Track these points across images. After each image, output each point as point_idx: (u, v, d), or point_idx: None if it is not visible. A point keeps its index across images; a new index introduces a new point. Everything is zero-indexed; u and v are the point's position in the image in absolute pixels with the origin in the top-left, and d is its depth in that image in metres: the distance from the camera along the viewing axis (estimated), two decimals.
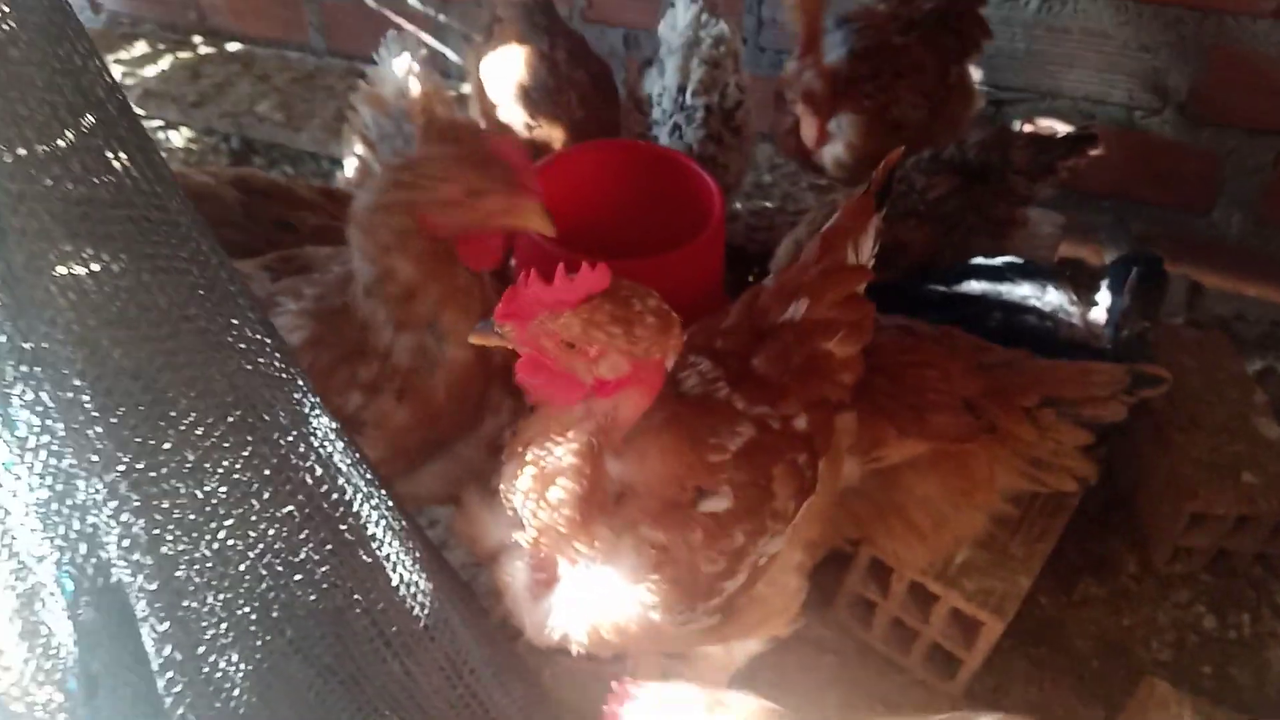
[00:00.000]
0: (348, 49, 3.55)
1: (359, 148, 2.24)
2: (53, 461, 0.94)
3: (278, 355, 1.01)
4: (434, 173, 1.39)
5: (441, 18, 3.38)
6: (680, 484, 1.25)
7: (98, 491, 0.94)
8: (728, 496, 1.28)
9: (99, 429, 0.91)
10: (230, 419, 0.97)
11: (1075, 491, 1.80)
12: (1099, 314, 1.76)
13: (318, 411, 1.05)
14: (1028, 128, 2.77)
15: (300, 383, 1.04)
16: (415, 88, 2.13)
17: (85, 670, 1.01)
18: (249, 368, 0.99)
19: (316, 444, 1.04)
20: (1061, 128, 2.75)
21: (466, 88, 3.30)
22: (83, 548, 0.99)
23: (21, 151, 0.82)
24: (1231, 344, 2.16)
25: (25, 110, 0.82)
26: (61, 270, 0.87)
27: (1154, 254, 1.91)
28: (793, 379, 1.38)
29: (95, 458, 0.92)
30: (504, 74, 2.41)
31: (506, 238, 1.50)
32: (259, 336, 1.00)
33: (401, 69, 2.13)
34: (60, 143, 0.85)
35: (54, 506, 0.96)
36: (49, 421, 0.92)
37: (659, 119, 2.34)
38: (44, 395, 0.91)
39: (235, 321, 0.97)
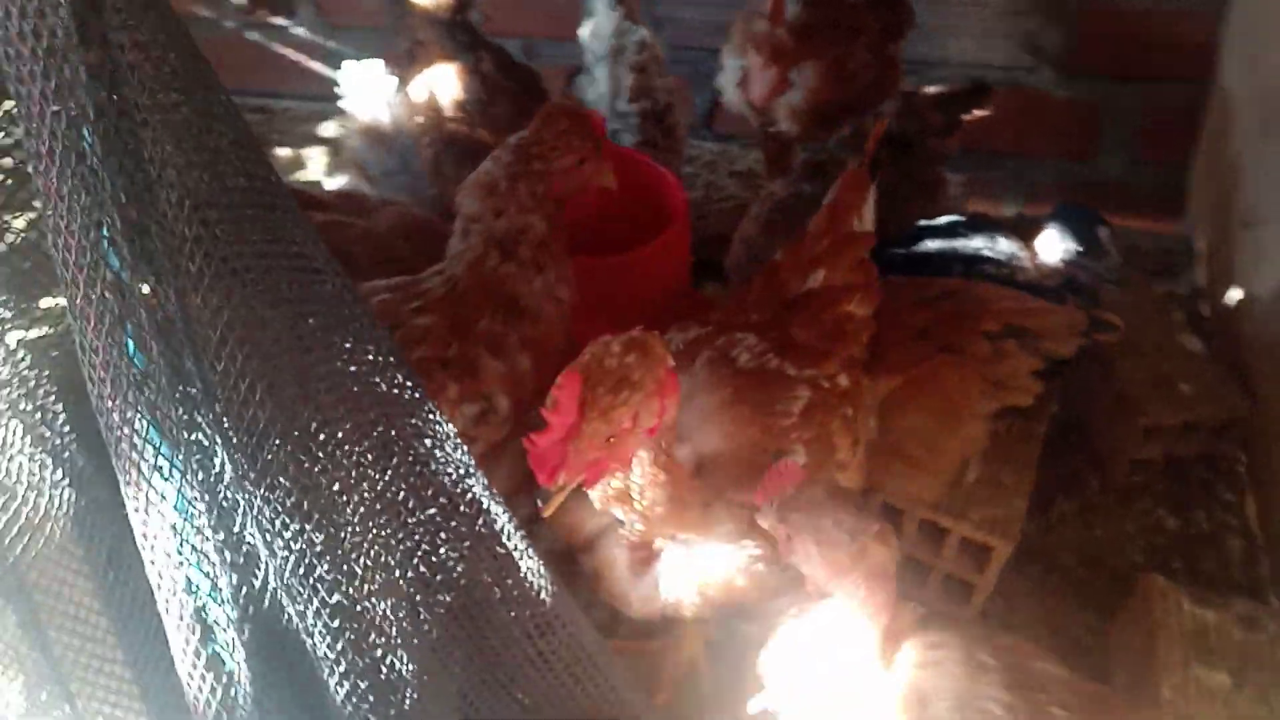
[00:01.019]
0: (231, 85, 3.47)
1: (357, 182, 2.27)
2: (222, 492, 0.96)
3: (406, 370, 1.05)
4: (557, 145, 1.65)
5: (332, 44, 3.36)
6: (760, 449, 1.34)
7: (259, 514, 0.96)
8: (801, 453, 1.38)
9: (259, 455, 0.93)
10: (375, 434, 1.01)
11: (1043, 419, 1.99)
12: (1048, 258, 1.93)
13: (443, 420, 1.09)
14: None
15: (423, 394, 1.08)
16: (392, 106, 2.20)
17: (254, 692, 1.02)
18: (383, 384, 1.03)
19: (450, 449, 1.08)
20: None
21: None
22: (240, 574, 1.01)
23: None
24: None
25: None
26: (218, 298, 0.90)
27: (1089, 207, 2.09)
28: (828, 341, 1.49)
29: (259, 487, 0.95)
30: (435, 93, 2.44)
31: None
32: (390, 355, 1.04)
33: (376, 93, 2.18)
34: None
35: (220, 537, 0.98)
36: (219, 458, 0.94)
37: None
38: (214, 432, 0.93)
39: (370, 342, 1.01)
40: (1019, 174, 3.04)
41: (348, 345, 0.99)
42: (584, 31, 2.62)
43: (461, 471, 1.09)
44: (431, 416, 1.08)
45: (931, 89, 2.85)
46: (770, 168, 2.76)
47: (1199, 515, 2.06)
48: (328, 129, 3.26)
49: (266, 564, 1.00)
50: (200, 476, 0.96)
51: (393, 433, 1.02)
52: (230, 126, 0.89)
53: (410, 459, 1.04)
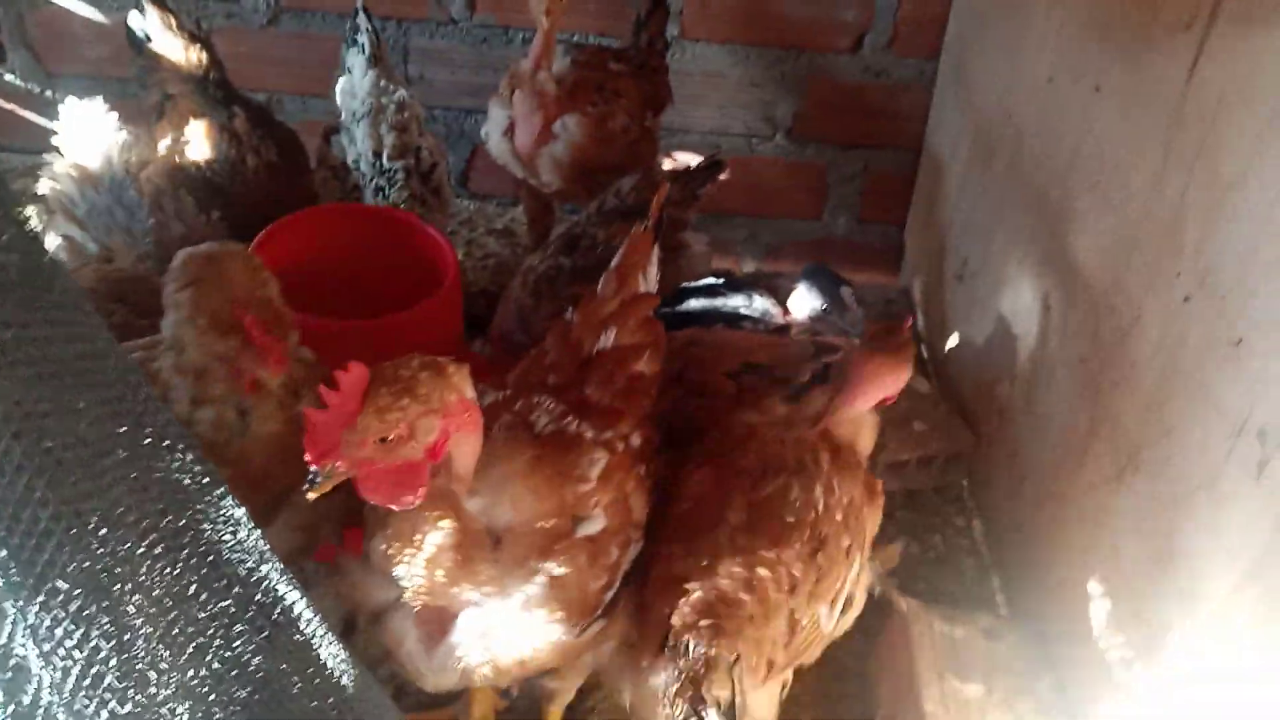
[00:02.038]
0: None
1: (67, 227, 2.09)
2: None
3: (191, 453, 1.00)
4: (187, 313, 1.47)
5: (49, 93, 3.13)
6: (560, 515, 1.37)
7: (38, 627, 0.89)
8: (600, 518, 1.42)
9: (46, 560, 0.86)
10: (164, 524, 0.96)
11: None
12: (798, 315, 2.09)
13: (233, 502, 1.05)
14: (668, 163, 3.12)
15: (213, 478, 1.03)
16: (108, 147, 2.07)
17: None
18: (169, 473, 0.98)
19: (243, 534, 1.03)
20: (693, 159, 3.13)
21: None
22: (4, 693, 0.92)
23: None
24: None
25: None
26: None
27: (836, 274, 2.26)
28: (622, 400, 1.53)
29: (36, 593, 0.87)
30: (185, 151, 2.33)
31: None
32: (173, 439, 0.98)
33: (101, 134, 2.05)
34: None
35: None
36: None
37: (361, 183, 2.39)
38: None
39: (153, 430, 0.96)
40: (756, 233, 3.26)
41: (131, 430, 0.93)
42: (339, 89, 2.58)
43: (255, 558, 1.05)
44: (221, 501, 1.03)
45: (670, 162, 3.03)
46: (531, 225, 2.81)
47: (936, 539, 2.26)
48: (45, 185, 3.03)
49: (39, 678, 0.92)
50: None
51: (182, 522, 0.97)
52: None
53: (201, 549, 0.98)
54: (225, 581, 1.01)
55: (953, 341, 2.54)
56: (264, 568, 1.06)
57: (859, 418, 1.66)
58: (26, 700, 0.95)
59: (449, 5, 2.97)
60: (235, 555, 1.02)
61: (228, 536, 1.02)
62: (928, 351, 2.72)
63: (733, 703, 1.34)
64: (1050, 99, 2.08)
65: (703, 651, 1.34)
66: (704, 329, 1.93)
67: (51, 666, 0.91)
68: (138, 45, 2.43)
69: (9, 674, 0.94)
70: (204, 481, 1.01)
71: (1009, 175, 2.28)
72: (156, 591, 0.95)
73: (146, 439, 0.96)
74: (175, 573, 0.97)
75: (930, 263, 2.79)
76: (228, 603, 1.01)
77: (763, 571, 1.44)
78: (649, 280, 1.64)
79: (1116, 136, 1.79)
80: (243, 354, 1.43)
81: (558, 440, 1.45)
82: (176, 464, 0.98)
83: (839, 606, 1.59)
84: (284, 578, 1.08)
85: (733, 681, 1.35)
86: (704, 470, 1.59)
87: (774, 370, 1.82)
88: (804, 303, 2.05)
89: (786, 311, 2.08)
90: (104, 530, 0.91)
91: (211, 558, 1.00)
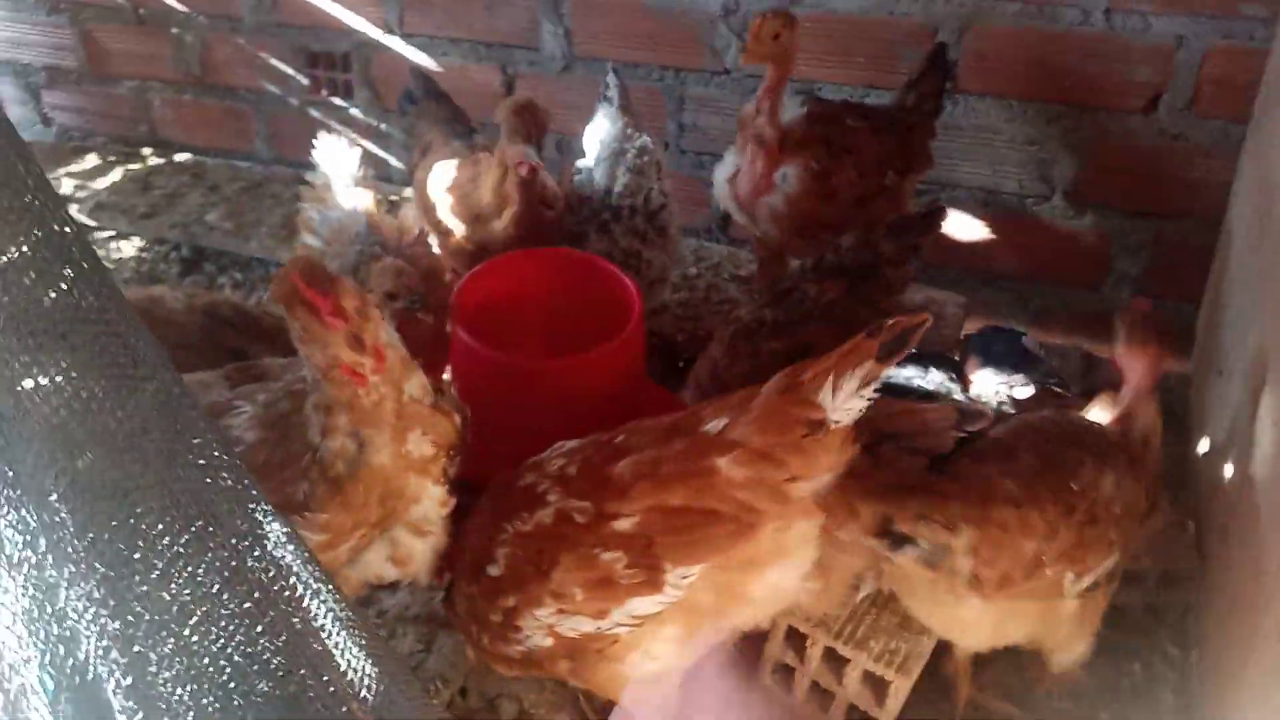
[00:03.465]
0: (293, 157, 3.73)
1: (309, 238, 2.41)
2: (34, 574, 1.07)
3: (233, 469, 1.15)
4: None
5: (383, 126, 3.58)
6: (482, 551, 1.63)
7: (76, 598, 1.07)
8: (499, 565, 1.65)
9: (77, 543, 1.04)
10: (193, 528, 1.11)
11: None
12: (982, 389, 1.94)
13: (270, 518, 1.19)
14: None
15: (254, 492, 1.18)
16: (353, 182, 2.35)
17: None
18: (208, 481, 1.13)
19: (270, 548, 1.17)
20: (961, 216, 2.99)
21: (408, 193, 3.50)
22: (61, 649, 1.11)
23: None
24: None
25: None
26: (28, 383, 1.01)
27: (1012, 328, 2.08)
28: (647, 482, 1.55)
29: (74, 568, 1.05)
30: (442, 186, 2.59)
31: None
32: (216, 453, 1.14)
33: (338, 168, 2.34)
34: (5, 258, 0.98)
35: (36, 614, 1.08)
36: (33, 539, 1.05)
37: (589, 216, 2.54)
38: (27, 515, 1.04)
39: (195, 440, 1.12)
40: (1024, 298, 3.04)
41: (172, 442, 1.09)
42: (586, 134, 2.75)
43: (282, 570, 1.18)
44: (253, 514, 1.17)
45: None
46: (760, 273, 2.83)
47: (1135, 666, 2.01)
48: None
49: (86, 640, 1.10)
50: (28, 555, 1.07)
51: (210, 528, 1.12)
52: (57, 219, 1.01)
53: (225, 554, 1.13)
54: (246, 587, 1.15)
55: (1201, 446, 2.24)
56: (290, 579, 1.19)
57: (1149, 419, 1.78)
58: (81, 656, 1.14)
59: (724, 54, 3.06)
60: (259, 565, 1.16)
61: (255, 549, 1.16)
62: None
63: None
64: None
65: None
66: None
67: (88, 634, 1.09)
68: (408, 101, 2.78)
69: (68, 633, 1.13)
70: (239, 494, 1.15)
71: (1272, 266, 1.99)
72: (183, 588, 1.11)
73: (190, 452, 1.12)
74: (201, 571, 1.12)
75: (1200, 352, 2.48)
76: (249, 605, 1.15)
77: (1032, 511, 1.64)
78: (838, 399, 1.51)
79: None
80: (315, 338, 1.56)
81: (511, 490, 1.72)
82: (216, 475, 1.13)
83: (1084, 582, 1.71)
84: (309, 592, 1.20)
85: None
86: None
87: (914, 439, 1.72)
88: (985, 372, 1.91)
89: (969, 383, 1.94)
90: (140, 525, 1.08)
91: (235, 564, 1.14)
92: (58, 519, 1.04)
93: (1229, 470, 2.00)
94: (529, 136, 2.36)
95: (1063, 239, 2.95)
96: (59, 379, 1.00)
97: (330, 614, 1.23)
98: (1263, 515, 1.81)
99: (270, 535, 1.18)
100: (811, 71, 2.98)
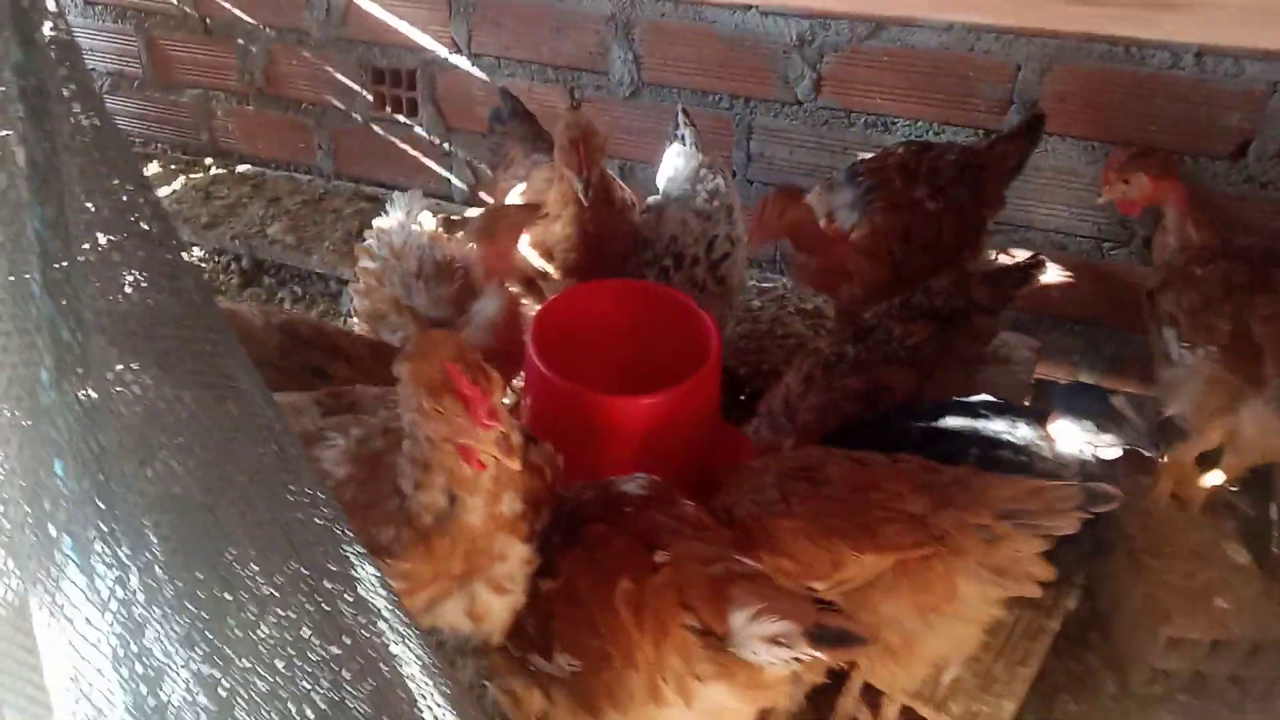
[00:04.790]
0: (355, 172, 3.73)
1: (368, 262, 2.38)
2: (124, 612, 1.03)
3: (329, 504, 1.11)
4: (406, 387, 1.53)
5: (447, 146, 3.56)
6: None
7: (164, 638, 1.03)
8: None
9: (168, 582, 1.00)
10: (288, 568, 1.07)
11: (1056, 615, 1.91)
12: (1067, 448, 1.87)
13: (364, 560, 1.14)
14: (1003, 258, 2.93)
15: (348, 532, 1.13)
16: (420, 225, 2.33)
17: None
18: (301, 518, 1.09)
19: (362, 592, 1.13)
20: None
21: (470, 212, 3.48)
22: (144, 689, 1.07)
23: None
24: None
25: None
26: (119, 389, 0.96)
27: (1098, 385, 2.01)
28: None
29: (163, 609, 1.01)
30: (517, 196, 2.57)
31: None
32: (310, 488, 1.10)
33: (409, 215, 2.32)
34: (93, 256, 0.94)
35: (121, 652, 1.04)
36: (124, 574, 1.01)
37: (650, 260, 2.49)
38: (119, 550, 1.01)
39: (289, 471, 1.08)
40: (1097, 344, 2.95)
41: (272, 485, 1.06)
42: (660, 171, 2.71)
43: (373, 613, 1.14)
44: (351, 556, 1.13)
45: (1005, 258, 2.84)
46: (839, 315, 2.76)
47: None
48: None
49: (170, 682, 1.06)
50: (118, 591, 1.03)
51: (304, 570, 1.08)
52: (173, 281, 0.98)
53: (318, 597, 1.09)
54: (337, 631, 1.10)
55: None
56: (379, 624, 1.14)
57: None
58: (164, 696, 1.10)
59: (795, 86, 3.01)
60: (351, 609, 1.12)
61: (347, 591, 1.11)
62: (1256, 516, 2.33)
63: None
64: None
65: None
66: (972, 470, 1.77)
67: (176, 676, 1.05)
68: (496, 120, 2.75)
69: (152, 673, 1.09)
70: (335, 538, 1.11)
71: None
72: (272, 631, 1.07)
73: (289, 492, 1.08)
74: (293, 615, 1.08)
75: None
76: (338, 650, 1.11)
77: None
78: (747, 627, 1.49)
79: None
80: (457, 423, 1.49)
81: None
82: (310, 519, 1.09)
83: None
84: (398, 637, 1.16)
85: None
86: None
87: (1036, 518, 1.65)
88: (1070, 430, 1.84)
89: (1053, 442, 1.88)
90: (234, 567, 1.04)
91: (328, 607, 1.09)
92: (148, 555, 1.01)
93: None
94: (580, 169, 2.33)
95: (1139, 285, 2.87)
96: (146, 378, 0.95)
97: (418, 662, 1.19)
98: None
99: (364, 579, 1.14)
100: (889, 106, 2.93)
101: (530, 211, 2.36)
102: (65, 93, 0.88)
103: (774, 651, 1.43)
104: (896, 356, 2.12)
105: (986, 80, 2.82)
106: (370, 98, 3.57)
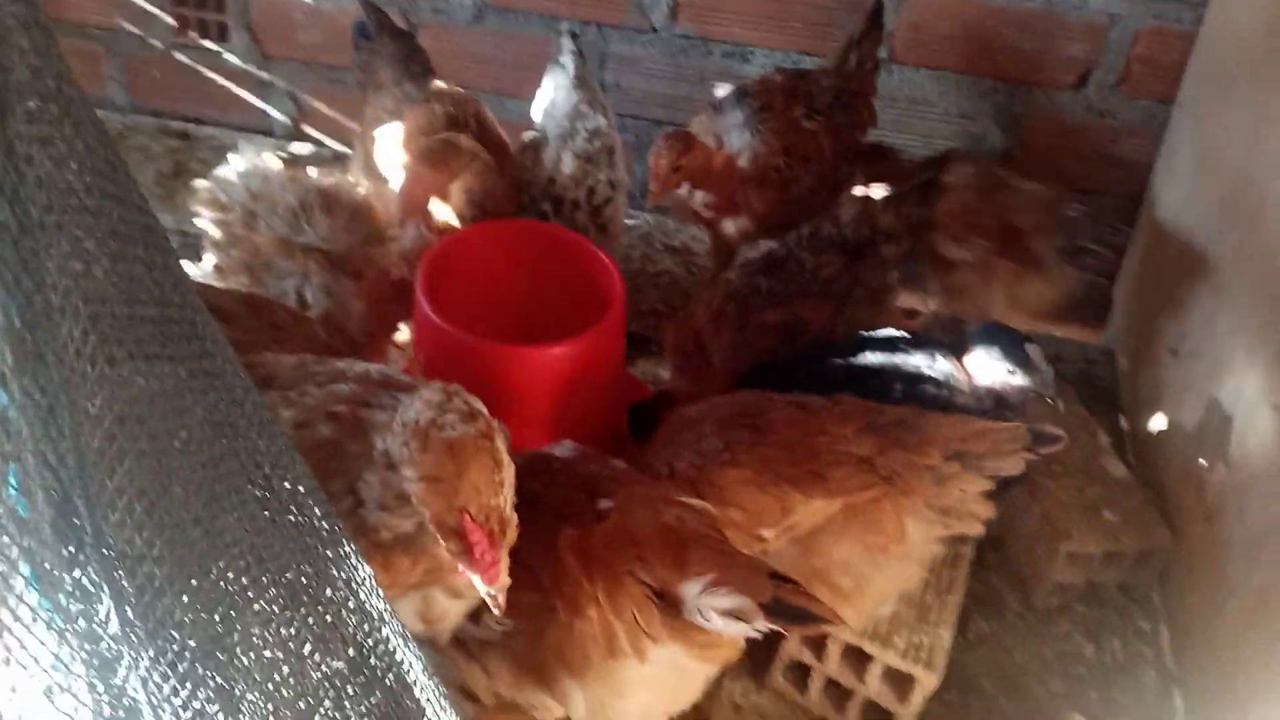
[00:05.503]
0: (156, 105, 3.33)
1: (217, 213, 2.12)
2: (89, 645, 0.85)
3: (321, 506, 0.96)
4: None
5: (264, 75, 3.24)
6: None
7: (143, 670, 0.86)
8: None
9: (148, 604, 0.83)
10: (284, 580, 0.91)
11: (970, 542, 1.96)
12: (982, 378, 1.90)
13: (360, 561, 1.00)
14: (860, 190, 2.96)
15: (341, 528, 0.99)
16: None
17: None
18: (297, 526, 0.93)
19: (364, 596, 0.99)
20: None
21: (295, 147, 3.20)
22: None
23: None
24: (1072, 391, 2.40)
25: None
26: (87, 384, 0.78)
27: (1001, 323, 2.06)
28: None
29: (138, 636, 0.84)
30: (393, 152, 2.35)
31: None
32: (303, 483, 0.94)
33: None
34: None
35: (90, 698, 0.87)
36: (91, 605, 0.84)
37: (526, 204, 2.35)
38: (87, 579, 0.83)
39: (279, 463, 0.92)
40: None
41: (263, 484, 0.89)
42: (536, 102, 2.55)
43: (376, 619, 1.00)
44: (347, 556, 0.98)
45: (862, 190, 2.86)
46: (715, 259, 2.70)
47: (1115, 644, 2.05)
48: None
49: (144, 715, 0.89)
50: (81, 625, 0.85)
51: (303, 579, 0.93)
52: (149, 248, 0.80)
53: (320, 608, 0.94)
54: (341, 642, 0.96)
55: (1159, 424, 2.30)
56: (383, 629, 1.01)
57: None
58: None
59: (651, 12, 2.90)
60: (355, 617, 0.97)
61: (349, 598, 0.97)
62: (1130, 431, 2.48)
63: None
64: None
65: None
66: (914, 410, 1.76)
67: (159, 716, 0.88)
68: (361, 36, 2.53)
69: (123, 713, 0.92)
70: (331, 538, 0.96)
71: (1243, 253, 2.04)
72: (269, 652, 0.91)
73: (281, 493, 0.92)
74: (292, 632, 0.93)
75: (1142, 329, 2.55)
76: (341, 665, 0.97)
77: None
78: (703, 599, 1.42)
79: None
80: (458, 556, 1.31)
81: None
82: (306, 519, 0.94)
83: None
84: (403, 641, 1.03)
85: None
86: None
87: (985, 459, 1.65)
88: (985, 365, 1.87)
89: (969, 375, 1.90)
90: (224, 588, 0.88)
91: (330, 618, 0.95)
92: (121, 578, 0.83)
93: (1201, 449, 2.05)
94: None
95: None
96: (121, 370, 0.77)
97: (419, 664, 1.06)
98: (1239, 492, 1.87)
99: (365, 582, 0.99)
100: (748, 35, 2.88)
101: (478, 156, 2.17)
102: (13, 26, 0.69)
103: (730, 624, 1.38)
104: (810, 289, 2.08)
105: (842, 9, 2.81)
106: (172, 21, 3.18)
